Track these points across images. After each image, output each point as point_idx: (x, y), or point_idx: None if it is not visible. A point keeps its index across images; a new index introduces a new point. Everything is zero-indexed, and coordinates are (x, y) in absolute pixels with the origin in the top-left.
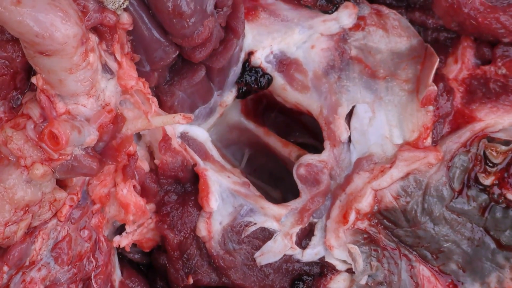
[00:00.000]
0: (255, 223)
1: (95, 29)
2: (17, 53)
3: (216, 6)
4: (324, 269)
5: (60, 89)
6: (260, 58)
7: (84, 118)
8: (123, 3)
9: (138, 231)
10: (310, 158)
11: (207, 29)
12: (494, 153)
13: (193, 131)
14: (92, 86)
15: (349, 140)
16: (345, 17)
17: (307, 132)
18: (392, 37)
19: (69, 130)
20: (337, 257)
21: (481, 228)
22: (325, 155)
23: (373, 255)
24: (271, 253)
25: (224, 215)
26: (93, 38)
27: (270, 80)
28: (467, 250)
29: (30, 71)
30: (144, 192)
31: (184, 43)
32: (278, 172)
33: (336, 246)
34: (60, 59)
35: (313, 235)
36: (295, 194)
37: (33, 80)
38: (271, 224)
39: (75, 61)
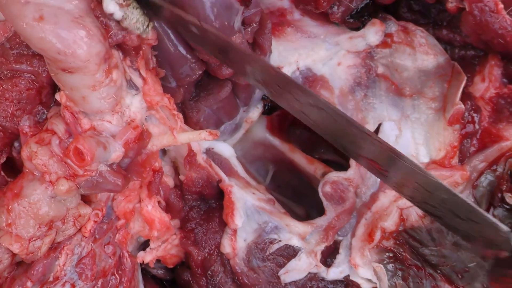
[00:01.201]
0: (280, 240)
1: (119, 45)
2: (43, 67)
3: (243, 23)
4: (349, 287)
5: (84, 106)
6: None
7: (110, 134)
8: (147, 26)
9: (162, 247)
10: (335, 175)
11: None
12: None
13: (218, 147)
14: (116, 103)
15: None
16: (372, 34)
17: (332, 149)
18: (419, 54)
19: (94, 146)
20: (362, 275)
21: None
22: (351, 172)
23: (398, 274)
24: (295, 271)
25: (248, 232)
26: (117, 54)
27: None
28: None
29: (55, 86)
30: (168, 208)
31: (211, 60)
32: (302, 189)
33: (361, 265)
34: (82, 76)
35: (338, 253)
36: (319, 211)
37: (57, 96)
38: (296, 242)
39: (98, 78)
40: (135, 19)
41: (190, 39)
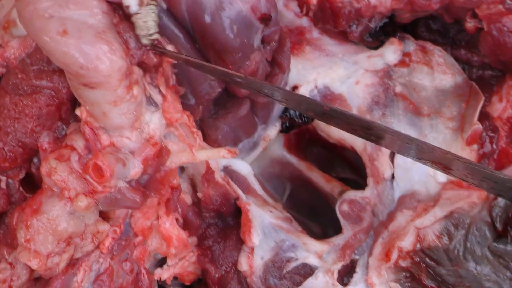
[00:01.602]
0: (297, 259)
1: (139, 62)
2: (63, 84)
3: (263, 41)
4: None
5: (104, 121)
6: (304, 93)
7: (129, 150)
8: (152, 34)
9: (180, 264)
10: (353, 194)
11: (253, 63)
12: None
13: (236, 164)
14: (136, 119)
15: (393, 177)
16: (390, 53)
17: (349, 167)
18: (437, 74)
19: (113, 162)
20: None
21: None
22: (368, 192)
23: None
24: None
25: (266, 250)
26: (137, 71)
27: None
28: None
29: (75, 102)
30: (186, 225)
31: None
32: (319, 207)
33: (378, 284)
34: (104, 91)
35: (354, 272)
36: (336, 229)
37: (77, 112)
38: (313, 260)
39: (119, 94)
40: (146, 21)
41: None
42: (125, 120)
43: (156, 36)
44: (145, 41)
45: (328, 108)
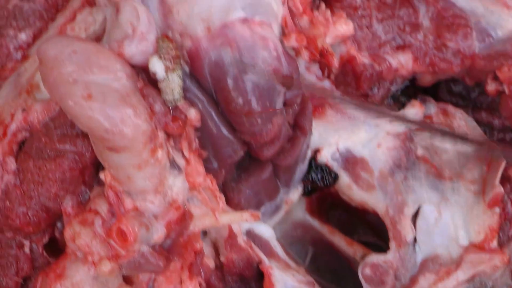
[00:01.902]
0: None
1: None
2: (87, 148)
3: (285, 104)
4: None
5: (128, 185)
6: (326, 156)
7: (152, 214)
8: (178, 100)
9: None
10: (375, 258)
11: (275, 126)
12: None
13: (258, 228)
14: (160, 183)
15: (415, 240)
16: (412, 115)
17: (371, 230)
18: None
19: (137, 227)
20: None
21: None
22: (391, 255)
23: None
24: None
25: None
26: (161, 134)
27: (336, 178)
28: None
29: (99, 166)
30: None
31: (253, 141)
32: (341, 271)
33: None
34: (129, 155)
35: None
36: None
37: (101, 176)
38: None
39: (144, 158)
40: (173, 86)
41: None
42: (149, 184)
43: (182, 101)
44: (170, 104)
45: None
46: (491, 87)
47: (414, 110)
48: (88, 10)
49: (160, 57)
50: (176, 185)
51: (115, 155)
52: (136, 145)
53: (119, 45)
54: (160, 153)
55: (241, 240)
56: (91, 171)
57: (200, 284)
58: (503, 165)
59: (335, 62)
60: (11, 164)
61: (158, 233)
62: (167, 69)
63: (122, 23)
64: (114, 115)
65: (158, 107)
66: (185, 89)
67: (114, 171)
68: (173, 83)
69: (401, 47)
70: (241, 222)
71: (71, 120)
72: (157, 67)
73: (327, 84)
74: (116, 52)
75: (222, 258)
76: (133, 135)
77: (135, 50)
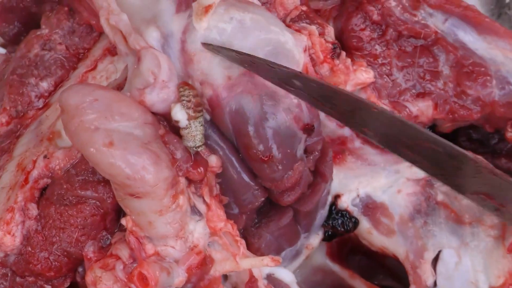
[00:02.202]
0: None
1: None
2: (108, 194)
3: (305, 151)
4: None
5: (150, 231)
6: (346, 202)
7: (173, 259)
8: (200, 146)
9: None
10: None
11: (296, 173)
12: None
13: (279, 273)
14: (181, 228)
15: (435, 284)
16: None
17: (391, 275)
18: None
19: (158, 271)
20: None
21: None
22: None
23: None
24: None
25: None
26: (183, 180)
27: (356, 224)
28: None
29: (120, 212)
30: None
31: (274, 187)
32: None
33: None
34: (150, 201)
35: None
36: None
37: (123, 221)
38: None
39: (165, 204)
40: (195, 133)
41: (293, 93)
42: (170, 229)
43: (203, 147)
44: (192, 151)
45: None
46: (510, 134)
47: None
48: (110, 59)
49: (183, 106)
50: (197, 230)
51: (137, 201)
52: (157, 191)
53: (140, 93)
54: (182, 199)
55: (262, 284)
56: (112, 217)
57: None
58: None
59: None
60: (33, 210)
61: (179, 277)
62: (189, 117)
63: (143, 71)
64: (136, 161)
65: (179, 153)
66: (206, 136)
67: (136, 217)
68: (195, 130)
69: (421, 95)
70: (261, 266)
71: (93, 167)
72: (179, 115)
73: (347, 131)
74: (138, 100)
75: None
76: (154, 182)
77: (156, 98)
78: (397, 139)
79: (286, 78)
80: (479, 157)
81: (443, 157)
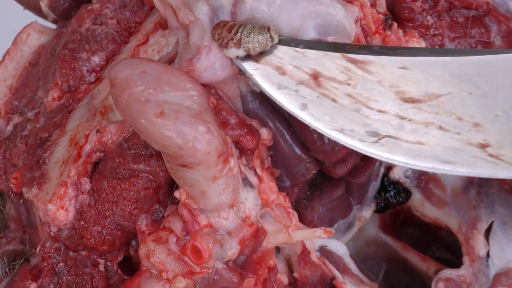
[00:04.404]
0: None
1: (235, 145)
2: (161, 167)
3: None
4: None
5: (203, 201)
6: (399, 173)
7: (226, 231)
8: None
9: None
10: (449, 272)
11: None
12: None
13: (331, 244)
14: (234, 197)
15: (488, 255)
16: None
17: (444, 246)
18: None
19: (211, 244)
20: None
21: None
22: (464, 270)
23: None
24: None
25: None
26: (234, 149)
27: (408, 195)
28: None
29: (172, 185)
30: None
31: (325, 159)
32: (414, 287)
33: None
34: (202, 170)
35: None
36: None
37: (176, 194)
38: None
39: (218, 169)
40: (257, 43)
41: None
42: (224, 197)
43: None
44: (253, 52)
45: None
46: None
47: None
48: (161, 33)
49: (226, 45)
50: (249, 200)
51: (189, 171)
52: (209, 159)
53: (189, 63)
54: (232, 162)
55: (315, 256)
56: (165, 190)
57: None
58: None
59: None
60: (86, 184)
61: (232, 249)
62: (237, 45)
63: (191, 45)
64: (187, 131)
65: (233, 119)
66: (255, 110)
67: (189, 188)
68: (253, 42)
69: None
70: (314, 238)
71: (145, 141)
72: (232, 53)
73: None
74: (187, 70)
75: (296, 274)
76: (206, 151)
77: (206, 63)
78: None
79: None
80: None
81: None
